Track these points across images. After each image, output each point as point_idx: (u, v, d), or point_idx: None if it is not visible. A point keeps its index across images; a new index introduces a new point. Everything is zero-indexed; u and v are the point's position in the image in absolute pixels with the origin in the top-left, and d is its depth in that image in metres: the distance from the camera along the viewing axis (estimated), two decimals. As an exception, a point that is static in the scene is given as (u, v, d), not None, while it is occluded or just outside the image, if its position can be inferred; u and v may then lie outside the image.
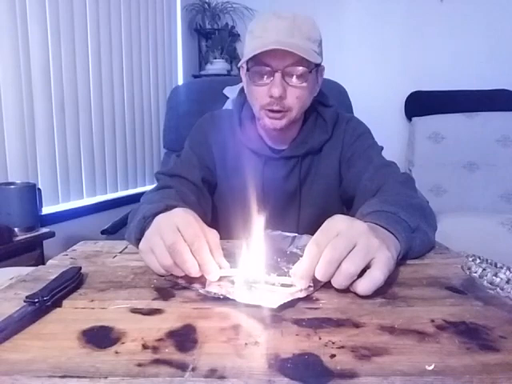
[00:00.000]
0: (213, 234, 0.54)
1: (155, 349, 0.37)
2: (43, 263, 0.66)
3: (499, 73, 2.36)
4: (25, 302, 0.43)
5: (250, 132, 0.91)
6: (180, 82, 2.63)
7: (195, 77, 2.70)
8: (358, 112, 1.56)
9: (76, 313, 0.45)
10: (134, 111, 2.26)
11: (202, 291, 0.49)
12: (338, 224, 0.49)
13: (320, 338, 0.38)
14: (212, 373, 0.33)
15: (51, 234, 1.54)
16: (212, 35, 2.68)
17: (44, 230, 1.54)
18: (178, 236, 0.50)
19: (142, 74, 2.30)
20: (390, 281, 0.53)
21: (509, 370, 0.33)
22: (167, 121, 1.60)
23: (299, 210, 0.93)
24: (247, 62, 0.80)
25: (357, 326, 0.41)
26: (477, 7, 2.38)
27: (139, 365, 0.34)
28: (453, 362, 0.34)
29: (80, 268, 0.55)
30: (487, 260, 0.47)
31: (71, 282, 0.50)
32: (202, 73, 2.70)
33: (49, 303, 0.44)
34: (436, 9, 2.42)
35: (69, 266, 0.58)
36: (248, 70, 0.80)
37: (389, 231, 0.56)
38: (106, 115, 2.06)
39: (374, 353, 0.36)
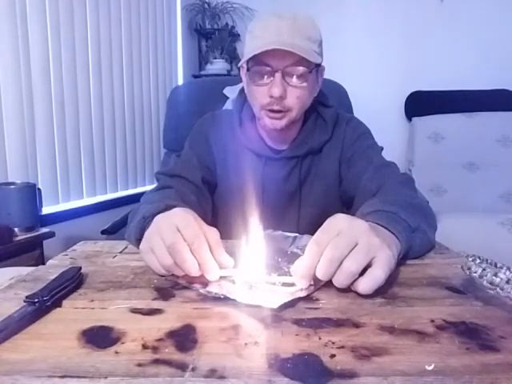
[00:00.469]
0: (213, 233, 0.53)
1: (155, 349, 0.37)
2: (43, 263, 0.66)
3: (499, 73, 2.36)
4: (25, 302, 0.43)
5: (250, 132, 0.91)
6: (180, 82, 2.63)
7: (195, 77, 2.70)
8: (358, 112, 1.56)
9: (76, 313, 0.45)
10: (134, 111, 2.26)
11: (202, 291, 0.49)
12: (338, 223, 0.49)
13: (320, 338, 0.38)
14: (212, 373, 0.33)
15: (51, 234, 1.54)
16: (212, 35, 2.68)
17: (44, 229, 1.54)
18: (177, 236, 0.50)
19: (142, 74, 2.30)
20: (390, 281, 0.53)
21: (509, 370, 0.33)
22: (167, 121, 1.60)
23: (299, 210, 0.93)
24: (247, 61, 0.80)
25: (357, 325, 0.41)
26: (477, 7, 2.38)
27: (139, 365, 0.34)
28: (453, 362, 0.34)
29: (80, 268, 0.55)
30: (487, 260, 0.47)
31: (71, 282, 0.50)
32: (202, 73, 2.70)
33: (49, 303, 0.44)
34: (436, 9, 2.42)
35: (69, 265, 0.58)
36: (248, 69, 0.80)
37: (389, 231, 0.56)
38: (105, 115, 2.06)
39: (374, 353, 0.36)
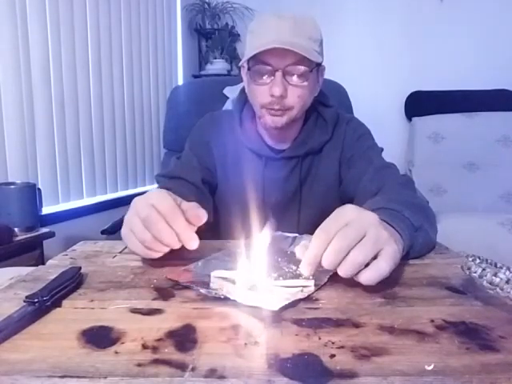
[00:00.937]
0: (189, 205, 0.54)
1: (155, 349, 0.37)
2: (43, 263, 0.66)
3: (499, 73, 2.36)
4: (25, 302, 0.43)
5: (251, 132, 0.91)
6: (180, 82, 2.63)
7: (195, 77, 2.70)
8: (358, 112, 1.56)
9: (76, 313, 0.45)
10: (134, 111, 2.26)
11: (202, 291, 0.49)
12: (348, 213, 0.49)
13: (320, 338, 0.38)
14: (212, 373, 0.33)
15: (51, 234, 1.54)
16: (212, 35, 2.68)
17: (44, 229, 1.53)
18: (151, 209, 0.51)
19: (142, 74, 2.30)
20: (390, 281, 0.53)
21: (509, 370, 0.33)
22: (167, 121, 1.60)
23: (299, 210, 0.93)
24: (248, 61, 0.80)
25: (356, 325, 0.41)
26: (477, 7, 2.38)
27: (139, 365, 0.34)
28: (452, 362, 0.34)
29: (80, 268, 0.55)
30: (487, 260, 0.47)
31: (71, 282, 0.50)
32: (202, 73, 2.70)
33: (49, 303, 0.44)
34: (436, 9, 2.42)
35: (69, 266, 0.58)
36: (249, 69, 0.80)
37: (393, 228, 0.55)
38: (105, 115, 2.06)
39: (374, 353, 0.36)
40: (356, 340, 0.38)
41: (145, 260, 0.63)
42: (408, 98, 2.45)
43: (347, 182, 0.90)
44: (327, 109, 0.91)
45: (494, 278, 0.44)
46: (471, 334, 0.39)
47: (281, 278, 0.52)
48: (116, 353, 0.36)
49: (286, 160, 0.90)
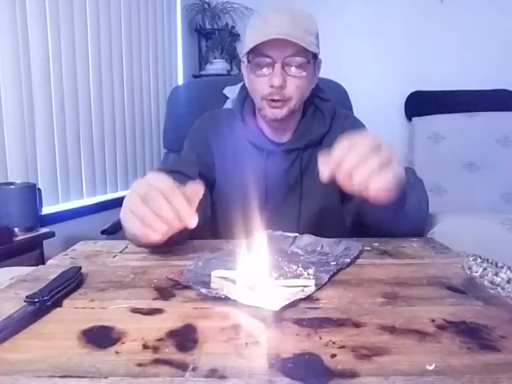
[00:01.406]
0: (186, 187, 0.56)
1: (155, 349, 0.37)
2: (43, 263, 0.66)
3: (499, 73, 2.36)
4: (25, 301, 0.43)
5: (252, 126, 0.93)
6: (180, 82, 2.63)
7: (195, 77, 2.70)
8: (358, 112, 1.56)
9: (76, 313, 0.45)
10: (134, 111, 2.26)
11: (203, 291, 0.48)
12: (365, 134, 0.57)
13: (320, 338, 0.38)
14: (212, 373, 0.33)
15: (51, 234, 1.54)
16: (212, 35, 2.68)
17: (44, 229, 1.53)
18: (151, 186, 0.53)
19: (142, 74, 2.30)
20: (390, 281, 0.53)
21: (509, 370, 0.33)
22: (167, 121, 1.60)
23: (300, 202, 0.93)
24: (248, 54, 0.82)
25: (357, 325, 0.41)
26: (477, 7, 2.38)
27: (139, 365, 0.34)
28: (453, 361, 0.34)
29: (80, 268, 0.55)
30: (488, 260, 0.47)
31: (71, 282, 0.50)
32: (202, 73, 2.70)
33: (49, 303, 0.44)
34: (436, 9, 2.42)
35: (69, 265, 0.58)
36: (249, 61, 0.83)
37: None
38: (105, 115, 2.06)
39: (375, 353, 0.36)
40: (357, 340, 0.38)
41: (145, 260, 0.63)
42: (408, 98, 2.44)
43: None
44: (324, 102, 0.94)
45: (495, 277, 0.44)
46: (472, 334, 0.39)
47: (281, 278, 0.52)
48: (116, 353, 0.36)
49: (286, 152, 0.91)
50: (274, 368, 0.33)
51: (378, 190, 0.54)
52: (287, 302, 0.45)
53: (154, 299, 0.48)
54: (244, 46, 0.85)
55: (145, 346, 0.37)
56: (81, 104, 1.89)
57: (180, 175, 0.83)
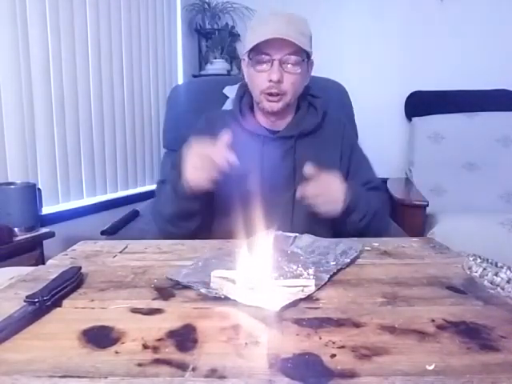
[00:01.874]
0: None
1: (155, 349, 0.37)
2: (43, 263, 0.66)
3: (499, 73, 2.35)
4: (25, 301, 0.43)
5: (249, 118, 1.02)
6: (180, 82, 2.63)
7: (195, 77, 2.69)
8: (358, 112, 1.56)
9: (76, 313, 0.45)
10: (134, 111, 2.25)
11: (202, 291, 0.49)
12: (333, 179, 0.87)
13: (320, 338, 0.38)
14: (212, 373, 0.33)
15: (51, 234, 1.54)
16: (212, 35, 2.67)
17: (44, 230, 1.53)
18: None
19: (141, 75, 2.30)
20: (390, 280, 0.53)
21: (509, 370, 0.33)
22: (167, 120, 1.60)
23: (294, 194, 0.95)
24: (249, 52, 0.92)
25: (357, 325, 0.41)
26: (477, 7, 2.38)
27: (139, 365, 0.34)
28: (453, 361, 0.34)
29: (80, 268, 0.55)
30: (488, 260, 0.47)
31: (71, 282, 0.50)
32: (202, 73, 2.70)
33: (49, 303, 0.44)
34: (436, 9, 2.41)
35: (69, 265, 0.58)
36: (250, 59, 0.92)
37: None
38: (105, 115, 2.05)
39: (375, 353, 0.36)
40: (357, 340, 0.38)
41: (145, 260, 0.63)
42: (408, 98, 2.44)
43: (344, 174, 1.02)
44: (316, 99, 1.05)
45: (494, 277, 0.44)
46: (472, 334, 0.39)
47: (281, 278, 0.52)
48: (116, 353, 0.36)
49: (282, 140, 1.00)
50: (274, 368, 0.33)
51: (323, 211, 0.85)
52: (287, 302, 0.45)
53: (154, 299, 0.48)
54: (245, 46, 0.94)
55: (145, 346, 0.37)
56: (81, 104, 1.89)
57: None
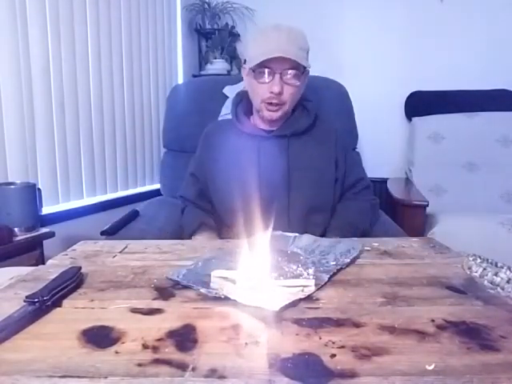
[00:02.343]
0: None
1: (155, 349, 0.36)
2: (43, 263, 0.66)
3: (499, 73, 2.35)
4: (25, 301, 0.43)
5: (246, 122, 1.09)
6: (180, 82, 2.63)
7: (195, 77, 2.69)
8: (358, 112, 1.56)
9: (76, 313, 0.45)
10: (134, 111, 2.25)
11: (202, 291, 0.48)
12: None
13: (320, 338, 0.38)
14: (212, 373, 0.33)
15: (51, 234, 1.54)
16: (212, 35, 2.67)
17: (44, 230, 1.53)
18: None
19: (141, 75, 2.30)
20: (390, 280, 0.53)
21: (509, 370, 0.33)
22: (167, 120, 1.60)
23: (289, 194, 1.03)
24: (252, 65, 0.98)
25: (357, 325, 0.41)
26: (477, 7, 2.38)
27: (139, 365, 0.34)
28: (453, 361, 0.34)
29: (80, 268, 0.55)
30: (488, 260, 0.47)
31: (71, 282, 0.50)
32: (202, 73, 2.70)
33: (49, 303, 0.44)
34: (436, 9, 2.41)
35: (69, 265, 0.58)
36: (253, 71, 0.98)
37: None
38: (105, 115, 2.05)
39: (374, 353, 0.36)
40: (356, 340, 0.38)
41: (145, 260, 0.63)
42: (408, 98, 2.44)
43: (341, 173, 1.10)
44: (308, 102, 1.12)
45: (494, 277, 0.44)
46: (472, 334, 0.39)
47: (281, 278, 0.52)
48: (116, 353, 0.36)
49: (276, 138, 1.06)
50: (274, 368, 0.33)
51: None
52: (287, 302, 0.45)
53: (154, 299, 0.48)
54: (249, 55, 1.01)
55: (144, 346, 0.37)
56: (81, 104, 1.89)
57: (195, 176, 1.14)
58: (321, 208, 1.03)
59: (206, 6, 2.68)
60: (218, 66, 2.62)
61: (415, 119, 2.34)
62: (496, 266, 0.46)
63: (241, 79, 1.56)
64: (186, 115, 1.52)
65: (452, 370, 0.33)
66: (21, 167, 1.62)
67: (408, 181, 2.22)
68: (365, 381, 0.32)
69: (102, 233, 1.18)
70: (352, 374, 0.32)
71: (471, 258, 0.47)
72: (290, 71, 0.96)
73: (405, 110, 2.47)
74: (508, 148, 2.13)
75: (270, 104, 1.00)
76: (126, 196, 2.19)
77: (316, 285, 0.50)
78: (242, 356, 0.35)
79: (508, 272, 0.43)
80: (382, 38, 2.50)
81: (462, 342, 0.37)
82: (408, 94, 2.45)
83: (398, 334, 0.39)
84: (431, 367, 0.33)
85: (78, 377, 0.32)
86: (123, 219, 1.24)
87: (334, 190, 1.07)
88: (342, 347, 0.36)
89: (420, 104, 2.41)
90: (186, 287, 0.51)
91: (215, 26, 2.68)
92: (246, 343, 0.37)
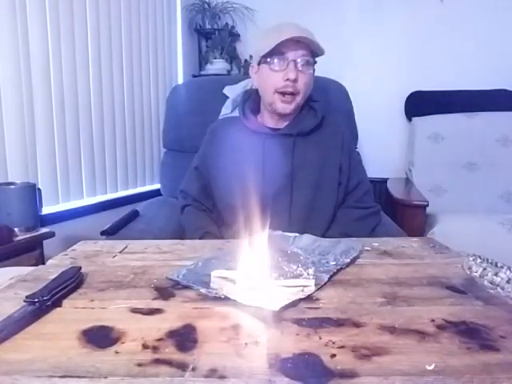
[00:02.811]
0: None
1: (155, 349, 0.36)
2: (43, 263, 0.66)
3: (499, 73, 2.35)
4: (25, 301, 0.43)
5: (253, 119, 1.08)
6: (180, 82, 2.63)
7: (195, 77, 2.69)
8: (358, 112, 1.56)
9: (76, 313, 0.45)
10: (134, 111, 2.25)
11: (202, 291, 0.48)
12: None
13: (320, 338, 0.38)
14: (212, 373, 0.33)
15: (51, 234, 1.54)
16: (212, 35, 2.67)
17: (44, 230, 1.53)
18: None
19: (141, 75, 2.30)
20: (390, 280, 0.53)
21: (509, 370, 0.33)
22: (167, 120, 1.60)
23: (291, 193, 1.02)
24: (264, 55, 0.97)
25: (357, 325, 0.41)
26: (477, 7, 2.38)
27: (139, 365, 0.34)
28: (453, 361, 0.34)
29: (80, 268, 0.55)
30: (488, 260, 0.47)
31: (71, 282, 0.50)
32: (202, 73, 2.70)
33: (49, 303, 0.44)
34: (436, 9, 2.41)
35: (69, 265, 0.57)
36: (266, 60, 0.97)
37: None
38: (105, 115, 2.05)
39: (374, 353, 0.36)
40: (356, 340, 0.38)
41: (145, 260, 0.63)
42: (408, 98, 2.44)
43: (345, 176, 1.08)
44: (316, 102, 1.10)
45: (494, 277, 0.44)
46: (472, 334, 0.39)
47: (281, 278, 0.52)
48: (116, 353, 0.36)
49: (282, 137, 1.04)
50: (274, 368, 0.33)
51: None
52: (287, 302, 0.45)
53: (154, 299, 0.48)
54: (258, 50, 1.00)
55: (144, 346, 0.37)
56: (81, 104, 1.89)
57: (198, 171, 1.13)
58: (322, 209, 1.03)
59: (206, 5, 2.68)
60: (217, 66, 2.62)
61: (415, 119, 2.34)
62: (496, 265, 0.46)
63: (241, 79, 1.57)
64: (185, 115, 1.52)
65: (452, 370, 0.33)
66: (21, 167, 1.62)
67: (408, 181, 2.22)
68: (365, 381, 0.32)
69: (102, 233, 1.18)
70: (352, 374, 0.32)
71: (471, 258, 0.47)
72: (303, 58, 0.95)
73: (405, 110, 2.47)
74: (508, 148, 2.13)
75: (284, 94, 0.98)
76: (125, 196, 2.19)
77: (316, 285, 0.50)
78: (242, 356, 0.35)
79: (508, 272, 0.43)
80: (382, 38, 2.50)
81: (462, 342, 0.37)
82: (408, 93, 2.45)
83: (398, 334, 0.39)
84: (431, 367, 0.33)
85: (78, 377, 0.32)
86: (123, 219, 1.24)
87: (337, 193, 1.05)
88: (342, 347, 0.36)
89: (420, 104, 2.41)
90: (186, 287, 0.51)
91: (215, 26, 2.68)
92: (246, 343, 0.37)
